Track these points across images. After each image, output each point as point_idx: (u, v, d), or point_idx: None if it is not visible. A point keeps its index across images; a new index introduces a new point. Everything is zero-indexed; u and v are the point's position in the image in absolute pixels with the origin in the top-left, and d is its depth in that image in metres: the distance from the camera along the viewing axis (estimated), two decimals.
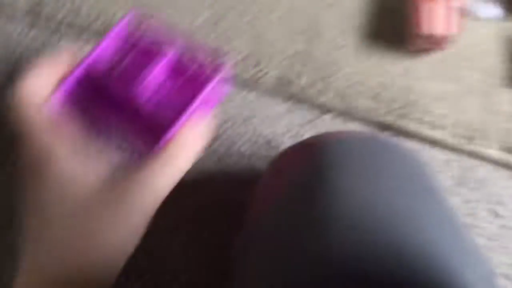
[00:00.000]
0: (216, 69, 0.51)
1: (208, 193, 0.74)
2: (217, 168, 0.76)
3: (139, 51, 0.51)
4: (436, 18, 0.75)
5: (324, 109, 0.78)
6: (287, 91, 0.78)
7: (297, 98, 0.78)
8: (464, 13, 0.80)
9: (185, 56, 0.51)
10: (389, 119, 0.76)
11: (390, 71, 0.78)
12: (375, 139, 0.57)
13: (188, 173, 0.51)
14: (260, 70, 0.78)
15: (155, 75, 0.50)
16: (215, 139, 0.76)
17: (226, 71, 0.52)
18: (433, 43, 0.76)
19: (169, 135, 0.48)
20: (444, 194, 0.54)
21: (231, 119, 0.77)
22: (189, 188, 0.73)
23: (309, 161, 0.52)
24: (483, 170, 0.78)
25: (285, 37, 0.80)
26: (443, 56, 0.79)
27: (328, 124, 0.78)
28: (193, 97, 0.49)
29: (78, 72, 0.51)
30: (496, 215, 0.78)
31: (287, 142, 0.77)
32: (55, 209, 0.43)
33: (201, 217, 0.73)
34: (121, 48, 0.52)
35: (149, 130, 0.50)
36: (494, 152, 0.77)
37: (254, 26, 0.80)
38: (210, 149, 0.75)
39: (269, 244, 0.48)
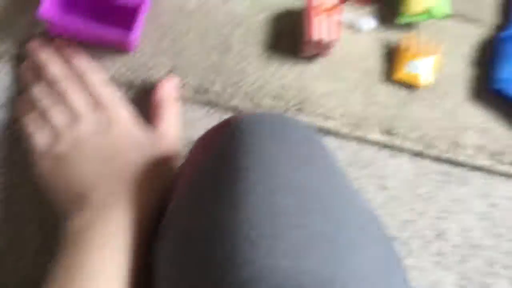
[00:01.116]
0: None
1: None
2: None
3: None
4: (322, 28, 0.92)
5: (236, 110, 0.94)
6: (204, 98, 0.93)
7: (213, 103, 0.93)
8: (346, 24, 0.98)
9: None
10: (289, 114, 0.93)
11: (288, 74, 0.95)
12: (281, 118, 0.60)
13: None
14: (181, 81, 0.93)
15: None
16: None
17: None
18: (320, 49, 0.94)
19: (138, 21, 0.83)
20: (343, 172, 0.60)
21: None
22: None
23: (216, 146, 0.57)
24: (369, 151, 0.95)
25: (201, 52, 0.95)
26: (330, 60, 0.97)
27: None
28: None
29: None
30: (384, 187, 0.95)
31: None
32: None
33: None
34: None
35: (123, 16, 0.84)
36: (376, 136, 0.95)
37: (170, 42, 0.94)
38: None
39: (176, 240, 0.53)
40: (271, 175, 0.50)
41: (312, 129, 0.63)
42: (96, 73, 0.85)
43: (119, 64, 0.91)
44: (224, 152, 0.54)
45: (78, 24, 0.85)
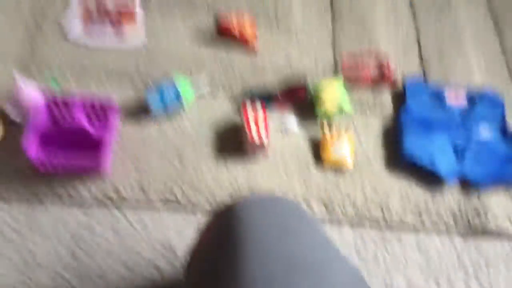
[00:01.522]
0: (111, 105, 1.07)
1: None
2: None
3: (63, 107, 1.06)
4: (258, 132, 1.13)
5: (203, 210, 1.09)
6: (172, 206, 1.08)
7: (180, 209, 1.09)
8: (275, 128, 1.20)
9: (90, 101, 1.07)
10: None
11: (237, 174, 1.13)
12: (272, 198, 0.72)
13: None
14: (147, 196, 1.09)
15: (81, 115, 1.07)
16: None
17: (116, 106, 1.08)
18: (259, 149, 1.14)
19: (108, 146, 1.03)
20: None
21: (133, 235, 1.05)
22: None
23: (219, 228, 0.67)
24: None
25: (162, 168, 1.13)
26: (269, 160, 1.16)
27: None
28: (107, 123, 1.07)
29: (34, 135, 1.02)
30: None
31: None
32: None
33: None
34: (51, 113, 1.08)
35: (93, 148, 1.03)
36: (318, 212, 1.12)
37: (135, 163, 1.12)
38: (121, 260, 1.01)
39: None
40: (263, 247, 0.62)
41: (298, 205, 0.75)
42: None
43: (94, 188, 1.06)
44: (225, 232, 0.66)
45: (61, 157, 1.01)
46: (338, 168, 1.18)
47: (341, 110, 1.23)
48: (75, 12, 1.31)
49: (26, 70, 1.21)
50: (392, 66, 1.35)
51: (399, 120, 1.26)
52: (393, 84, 1.33)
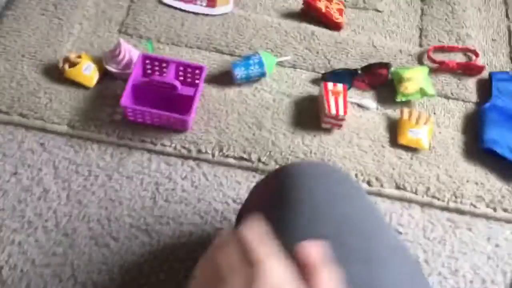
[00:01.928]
0: (200, 67, 1.16)
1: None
2: (199, 222, 1.07)
3: (156, 65, 1.18)
4: (336, 105, 1.15)
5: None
6: (244, 165, 1.13)
7: (252, 169, 1.13)
8: (353, 104, 1.22)
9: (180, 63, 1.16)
10: None
11: (311, 143, 1.17)
12: (324, 164, 0.74)
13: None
14: (224, 153, 1.14)
15: (172, 73, 1.15)
16: (198, 200, 1.09)
17: (205, 69, 1.16)
18: (335, 122, 1.16)
19: (193, 106, 1.11)
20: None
21: (208, 187, 1.11)
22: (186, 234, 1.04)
23: (274, 187, 0.70)
24: (385, 204, 1.12)
25: (240, 130, 1.18)
26: (344, 132, 1.19)
27: None
28: (196, 84, 1.16)
29: (130, 83, 1.11)
30: (400, 234, 1.10)
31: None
32: None
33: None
34: (144, 69, 1.18)
35: (180, 103, 1.13)
36: (389, 190, 1.13)
37: (216, 123, 1.18)
38: (195, 208, 1.08)
39: None
40: (314, 207, 0.64)
41: (348, 174, 0.79)
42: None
43: (176, 141, 1.14)
44: (279, 190, 0.68)
45: (148, 110, 1.10)
46: (413, 149, 1.18)
47: (423, 92, 1.22)
48: None
49: (125, 34, 1.31)
50: (480, 60, 1.32)
51: (482, 108, 1.23)
52: (479, 74, 1.31)
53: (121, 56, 1.17)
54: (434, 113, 1.24)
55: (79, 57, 1.19)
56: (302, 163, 0.73)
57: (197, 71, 1.18)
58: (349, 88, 1.24)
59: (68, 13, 1.32)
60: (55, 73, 1.20)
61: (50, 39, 1.26)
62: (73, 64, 1.18)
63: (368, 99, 1.25)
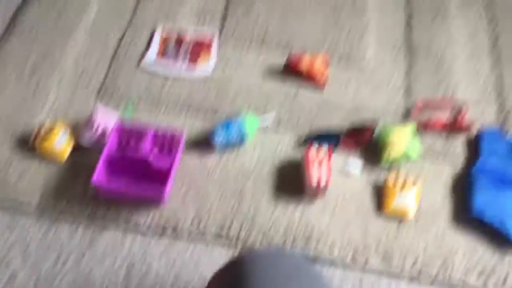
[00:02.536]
0: (178, 137, 1.11)
1: None
2: None
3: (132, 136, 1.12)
4: (318, 174, 1.11)
5: (252, 248, 1.09)
6: (224, 241, 1.09)
7: (232, 245, 1.09)
8: (337, 170, 1.18)
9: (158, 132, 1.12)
10: (297, 247, 1.07)
11: (293, 214, 1.12)
12: (277, 253, 0.75)
13: None
14: (201, 230, 1.10)
15: (148, 143, 1.11)
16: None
17: (182, 139, 1.12)
18: (318, 192, 1.12)
19: (169, 180, 1.04)
20: None
21: (184, 267, 1.07)
22: None
23: (228, 279, 0.72)
24: (371, 279, 1.07)
25: (220, 201, 1.14)
26: (327, 200, 1.14)
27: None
28: (173, 154, 1.10)
29: (103, 158, 1.07)
30: None
31: None
32: None
33: None
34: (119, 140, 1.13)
35: (156, 178, 1.07)
36: (375, 264, 1.08)
37: (194, 195, 1.14)
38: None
39: None
40: None
41: (305, 260, 0.78)
42: None
43: (151, 217, 1.09)
44: (234, 282, 0.71)
45: (122, 186, 1.06)
46: (400, 218, 1.13)
47: (407, 156, 1.18)
48: (156, 45, 1.37)
49: (104, 96, 1.28)
50: (468, 114, 1.28)
51: (471, 171, 1.18)
52: (467, 132, 1.26)
53: (94, 129, 1.13)
54: (421, 176, 1.19)
55: (52, 129, 1.15)
56: (255, 253, 0.76)
57: (175, 140, 1.14)
58: (333, 150, 1.19)
59: (45, 77, 1.29)
60: (27, 146, 1.16)
61: (24, 108, 1.23)
62: (45, 138, 1.14)
63: (353, 164, 1.20)
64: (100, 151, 1.10)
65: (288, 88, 1.33)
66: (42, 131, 1.15)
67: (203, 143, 1.21)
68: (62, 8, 1.43)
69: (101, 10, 1.45)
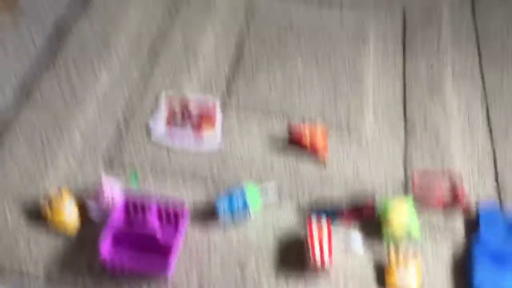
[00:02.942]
0: (182, 211, 1.11)
1: None
2: None
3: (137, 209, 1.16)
4: (321, 252, 1.13)
5: None
6: None
7: None
8: (339, 247, 1.20)
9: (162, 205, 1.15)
10: None
11: None
12: None
13: None
14: None
15: (154, 216, 1.13)
16: None
17: (187, 213, 1.13)
18: (321, 268, 1.14)
19: (174, 253, 1.08)
20: None
21: None
22: None
23: None
24: None
25: (222, 274, 1.15)
26: (332, 279, 1.15)
27: None
28: (177, 229, 1.12)
29: (109, 234, 1.09)
30: None
31: None
32: None
33: None
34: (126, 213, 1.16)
35: (161, 251, 1.08)
36: None
37: (197, 266, 1.15)
38: None
39: None
40: None
41: None
42: None
43: (157, 286, 1.11)
44: None
45: (128, 259, 1.08)
46: None
47: (409, 234, 1.21)
48: (162, 115, 1.43)
49: (111, 166, 1.32)
50: (466, 189, 1.32)
51: (471, 250, 1.21)
52: (466, 208, 1.29)
53: (101, 203, 1.17)
54: (420, 252, 1.21)
55: (62, 200, 1.18)
56: None
57: (179, 213, 1.18)
58: (333, 223, 1.22)
59: (55, 148, 1.33)
60: (36, 215, 1.19)
61: (35, 176, 1.27)
62: (56, 211, 1.16)
63: (355, 239, 1.22)
64: (107, 224, 1.13)
65: (290, 161, 1.37)
66: (53, 203, 1.18)
67: (207, 213, 1.24)
68: (75, 80, 1.49)
69: (111, 80, 1.51)
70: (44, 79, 1.48)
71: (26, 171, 1.28)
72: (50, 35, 1.62)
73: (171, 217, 1.19)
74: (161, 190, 1.28)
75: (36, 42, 1.59)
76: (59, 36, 1.62)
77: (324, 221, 1.19)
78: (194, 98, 1.47)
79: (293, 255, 1.19)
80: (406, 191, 1.33)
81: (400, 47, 1.71)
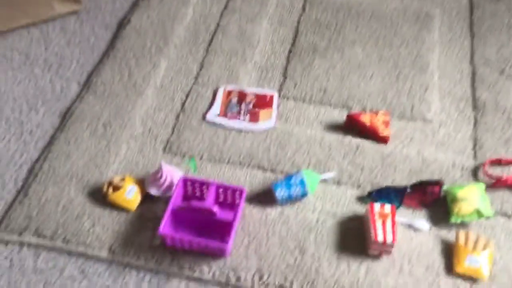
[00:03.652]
0: (241, 190, 1.13)
1: None
2: None
3: (196, 188, 1.17)
4: (383, 230, 1.08)
5: None
6: None
7: None
8: (404, 226, 1.14)
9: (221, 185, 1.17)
10: None
11: (358, 272, 1.08)
12: None
13: None
14: (264, 281, 1.08)
15: (212, 195, 1.12)
16: None
17: (244, 192, 1.15)
18: (383, 248, 1.08)
19: (232, 232, 1.07)
20: None
21: None
22: None
23: None
24: None
25: (281, 255, 1.12)
26: (394, 257, 1.10)
27: None
28: (236, 207, 1.13)
29: (170, 209, 1.10)
30: None
31: None
32: None
33: None
34: (185, 192, 1.17)
35: (219, 231, 1.10)
36: None
37: (256, 247, 1.13)
38: None
39: None
40: None
41: None
42: None
43: (215, 268, 1.10)
44: None
45: (186, 238, 1.08)
46: (473, 279, 1.07)
47: (479, 213, 1.13)
48: (218, 103, 1.43)
49: (170, 152, 1.33)
50: None
51: None
52: None
53: (162, 180, 1.17)
54: (494, 236, 1.14)
55: (123, 179, 1.21)
56: None
57: (237, 193, 1.16)
58: (398, 207, 1.17)
59: (117, 133, 1.36)
60: (99, 196, 1.22)
61: (97, 161, 1.30)
62: (116, 188, 1.20)
63: (420, 220, 1.16)
64: (166, 202, 1.14)
65: (349, 143, 1.33)
66: (114, 182, 1.20)
67: (265, 196, 1.22)
68: (133, 69, 1.52)
69: (168, 70, 1.53)
70: (106, 68, 1.52)
71: (90, 157, 1.31)
72: (110, 26, 1.67)
73: (228, 197, 1.18)
74: (218, 175, 1.27)
75: (97, 33, 1.64)
76: (118, 27, 1.67)
77: (387, 206, 1.13)
78: (252, 91, 1.46)
79: (355, 236, 1.15)
80: (475, 174, 1.25)
81: (467, 27, 1.63)
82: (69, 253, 1.14)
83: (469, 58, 1.54)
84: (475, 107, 1.41)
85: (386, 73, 1.50)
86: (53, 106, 1.44)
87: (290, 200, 1.20)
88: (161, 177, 1.18)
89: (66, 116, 1.41)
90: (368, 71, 1.51)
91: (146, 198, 1.21)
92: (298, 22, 1.67)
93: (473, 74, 1.49)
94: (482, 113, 1.39)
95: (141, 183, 1.22)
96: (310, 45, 1.59)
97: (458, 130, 1.36)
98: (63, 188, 1.24)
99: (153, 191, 1.19)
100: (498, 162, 1.27)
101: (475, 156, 1.30)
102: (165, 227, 1.09)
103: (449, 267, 1.09)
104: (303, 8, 1.71)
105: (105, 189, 1.20)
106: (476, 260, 1.07)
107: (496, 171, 1.26)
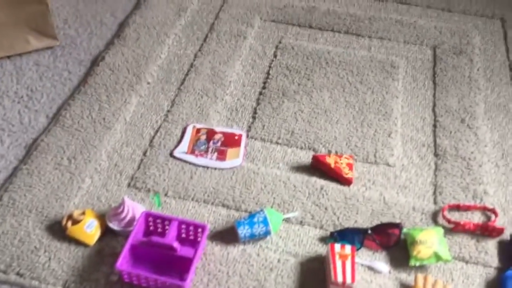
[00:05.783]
0: (203, 228, 1.13)
1: None
2: None
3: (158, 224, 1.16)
4: (343, 271, 1.08)
5: None
6: None
7: None
8: (364, 267, 1.14)
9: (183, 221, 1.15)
10: None
11: None
12: None
13: None
14: None
15: (173, 231, 1.11)
16: None
17: (207, 228, 1.12)
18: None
19: (192, 266, 1.05)
20: None
21: None
22: None
23: None
24: None
25: None
26: None
27: None
28: (197, 244, 1.13)
29: (129, 244, 1.09)
30: None
31: None
32: None
33: None
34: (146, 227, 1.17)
35: (179, 267, 1.08)
36: None
37: (215, 286, 1.12)
38: None
39: None
40: None
41: None
42: None
43: None
44: None
45: (144, 274, 1.07)
46: None
47: (437, 257, 1.14)
48: (186, 138, 1.44)
49: (135, 187, 1.32)
50: (499, 217, 1.26)
51: (503, 276, 1.14)
52: (499, 234, 1.23)
53: (124, 214, 1.16)
54: (452, 279, 1.15)
55: (83, 213, 1.19)
56: None
57: (199, 230, 1.16)
58: (358, 249, 1.18)
59: (81, 167, 1.35)
60: (58, 229, 1.20)
61: (59, 194, 1.28)
62: (76, 222, 1.18)
63: (380, 262, 1.17)
64: (127, 238, 1.12)
65: (314, 184, 1.34)
66: (74, 215, 1.19)
67: (227, 234, 1.22)
68: (104, 104, 1.53)
69: (139, 106, 1.55)
70: (76, 102, 1.53)
71: (52, 189, 1.29)
72: (84, 63, 1.69)
73: (190, 234, 1.17)
74: (182, 212, 1.27)
75: (70, 68, 1.66)
76: (92, 64, 1.69)
77: (348, 247, 1.14)
78: (220, 129, 1.48)
79: (314, 275, 1.15)
80: (435, 218, 1.28)
81: (430, 78, 1.69)
82: (23, 287, 1.10)
83: (432, 107, 1.60)
84: (436, 153, 1.45)
85: (352, 118, 1.54)
86: (19, 137, 1.43)
87: (253, 238, 1.20)
88: (122, 211, 1.16)
89: (31, 148, 1.40)
90: (335, 115, 1.55)
91: (107, 233, 1.19)
92: (270, 67, 1.71)
93: (435, 122, 1.55)
94: (443, 160, 1.43)
95: (103, 217, 1.21)
96: (280, 88, 1.63)
97: (419, 175, 1.39)
98: (21, 220, 1.22)
99: (114, 225, 1.18)
100: (457, 207, 1.30)
101: (435, 200, 1.33)
102: (123, 262, 1.07)
103: None
104: (275, 55, 1.76)
105: (64, 222, 1.19)
106: None
107: (455, 216, 1.28)
